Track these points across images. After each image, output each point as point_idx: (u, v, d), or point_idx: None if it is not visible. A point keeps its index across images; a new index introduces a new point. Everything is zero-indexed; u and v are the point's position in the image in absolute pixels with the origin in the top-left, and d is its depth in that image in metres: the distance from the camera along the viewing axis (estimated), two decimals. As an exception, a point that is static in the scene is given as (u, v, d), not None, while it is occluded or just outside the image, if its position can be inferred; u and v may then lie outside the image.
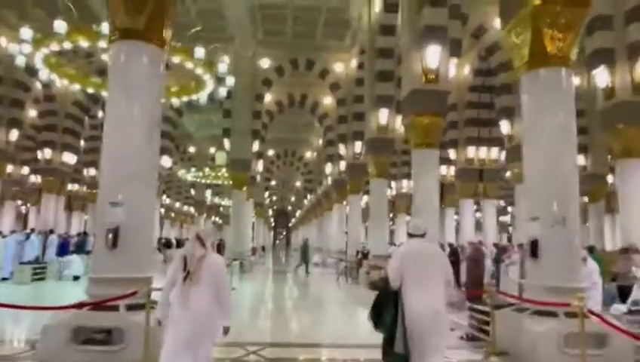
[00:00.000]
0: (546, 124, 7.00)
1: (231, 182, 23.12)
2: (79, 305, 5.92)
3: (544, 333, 6.16)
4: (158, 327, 3.80)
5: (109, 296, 5.84)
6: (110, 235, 6.10)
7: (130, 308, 5.82)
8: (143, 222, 6.43)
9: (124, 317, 5.73)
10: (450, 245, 14.64)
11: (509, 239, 35.85)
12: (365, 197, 25.82)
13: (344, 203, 26.03)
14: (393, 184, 30.33)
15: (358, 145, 21.69)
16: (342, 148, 22.72)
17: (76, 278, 14.97)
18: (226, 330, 3.65)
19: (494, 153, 20.75)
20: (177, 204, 47.85)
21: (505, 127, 18.53)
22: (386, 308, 4.00)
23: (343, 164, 25.18)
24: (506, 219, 46.34)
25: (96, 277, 6.20)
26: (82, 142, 28.11)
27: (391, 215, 35.03)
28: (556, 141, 6.94)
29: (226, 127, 21.79)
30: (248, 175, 22.04)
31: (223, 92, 16.28)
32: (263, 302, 11.82)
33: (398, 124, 17.43)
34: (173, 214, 47.82)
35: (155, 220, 25.51)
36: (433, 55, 11.68)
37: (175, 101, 17.70)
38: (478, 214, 24.78)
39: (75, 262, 14.74)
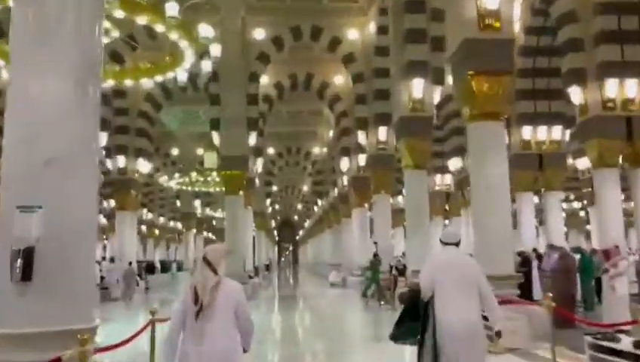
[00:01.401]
0: None
1: (223, 188, 21.34)
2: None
3: None
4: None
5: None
6: (19, 261, 4.22)
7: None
8: (78, 236, 4.56)
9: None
10: (521, 253, 12.68)
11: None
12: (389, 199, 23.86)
13: (366, 206, 24.13)
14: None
15: (383, 131, 19.81)
16: (361, 137, 20.81)
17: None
18: (244, 351, 3.52)
19: (557, 133, 18.82)
20: (161, 219, 46.18)
21: (576, 95, 16.55)
22: (413, 320, 4.26)
23: (362, 158, 23.31)
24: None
25: None
26: None
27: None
28: None
29: (213, 116, 19.96)
30: (245, 176, 20.19)
31: (207, 67, 14.49)
32: (275, 345, 9.92)
33: (437, 96, 15.62)
34: (157, 231, 46.13)
35: (132, 239, 23.75)
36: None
37: (147, 83, 15.92)
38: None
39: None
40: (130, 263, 21.13)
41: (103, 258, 23.08)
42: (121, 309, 16.64)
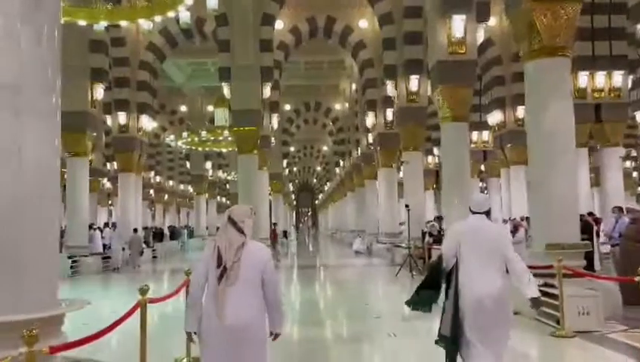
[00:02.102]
0: None
1: (235, 148, 20.40)
2: None
3: None
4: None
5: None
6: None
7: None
8: (29, 196, 3.60)
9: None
10: (581, 216, 11.48)
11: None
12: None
13: (393, 166, 23.04)
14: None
15: (415, 81, 18.51)
16: (390, 88, 19.51)
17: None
18: (276, 336, 3.41)
19: (617, 79, 17.77)
20: (170, 183, 45.72)
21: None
22: (431, 288, 4.41)
23: (390, 113, 22.10)
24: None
25: None
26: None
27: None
28: None
29: (223, 65, 18.81)
30: (258, 134, 19.15)
31: (212, 3, 13.30)
32: (293, 325, 9.04)
33: (481, 35, 14.33)
34: (165, 196, 45.73)
35: (137, 203, 23.10)
36: None
37: (145, 26, 14.79)
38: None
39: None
40: (136, 230, 20.46)
41: (106, 224, 22.42)
42: (122, 282, 15.95)
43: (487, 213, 4.52)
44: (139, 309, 4.64)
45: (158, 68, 24.06)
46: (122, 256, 19.17)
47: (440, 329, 4.35)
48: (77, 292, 13.63)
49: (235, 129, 18.88)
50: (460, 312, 4.20)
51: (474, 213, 4.50)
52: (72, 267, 16.75)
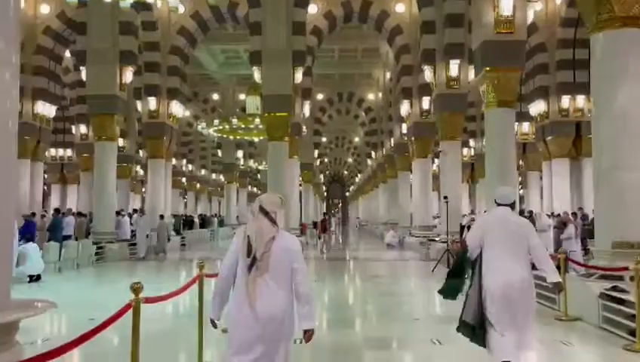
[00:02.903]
0: None
1: (265, 134, 19.48)
2: None
3: None
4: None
5: None
6: None
7: None
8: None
9: None
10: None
11: None
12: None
13: (429, 157, 21.79)
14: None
15: (455, 66, 17.26)
16: (428, 73, 18.24)
17: (35, 278, 11.86)
18: (309, 334, 3.24)
19: None
20: (203, 172, 45.23)
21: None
22: (457, 277, 4.58)
23: (426, 101, 20.83)
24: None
25: None
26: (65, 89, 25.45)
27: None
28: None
29: (255, 49, 17.85)
30: (290, 120, 18.17)
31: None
32: (322, 324, 8.05)
33: (531, 14, 13.01)
34: (197, 185, 45.27)
35: (167, 190, 22.40)
36: None
37: (177, 6, 13.89)
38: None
39: (32, 255, 11.61)
40: (162, 216, 19.73)
41: (135, 210, 21.75)
42: (141, 271, 15.07)
43: (512, 205, 4.67)
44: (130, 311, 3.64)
45: (189, 53, 23.25)
46: (148, 243, 18.31)
47: (462, 316, 4.45)
48: (89, 281, 12.99)
49: (266, 115, 17.91)
50: (484, 300, 4.30)
51: (499, 204, 4.67)
52: (97, 253, 16.12)
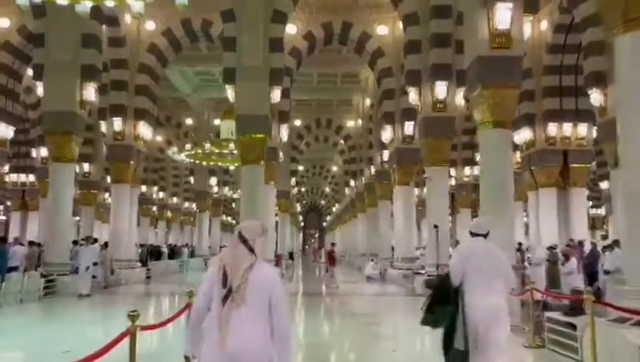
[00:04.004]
0: None
1: (240, 161, 18.01)
2: None
3: None
4: None
5: None
6: None
7: None
8: None
9: None
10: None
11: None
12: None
13: (411, 184, 20.56)
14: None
15: (442, 87, 16.18)
16: (413, 95, 17.07)
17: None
18: None
19: (582, 130, 18.31)
20: (175, 200, 43.32)
21: (596, 97, 15.45)
22: (444, 304, 4.74)
23: (409, 126, 19.68)
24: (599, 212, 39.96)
25: None
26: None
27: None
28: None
29: (228, 65, 16.50)
30: (266, 143, 16.75)
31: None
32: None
33: (528, 29, 12.00)
34: (169, 213, 43.28)
35: (132, 220, 20.68)
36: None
37: (148, 29, 12.44)
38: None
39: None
40: (105, 245, 17.76)
41: (75, 241, 18.54)
42: (74, 313, 12.70)
43: (486, 235, 4.90)
44: None
45: (160, 73, 21.80)
46: (89, 276, 15.23)
47: (454, 343, 4.60)
48: (20, 321, 11.05)
49: (241, 136, 16.44)
50: (470, 326, 4.56)
51: (473, 234, 4.92)
52: (46, 287, 14.27)
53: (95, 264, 17.24)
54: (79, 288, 14.59)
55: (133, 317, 4.12)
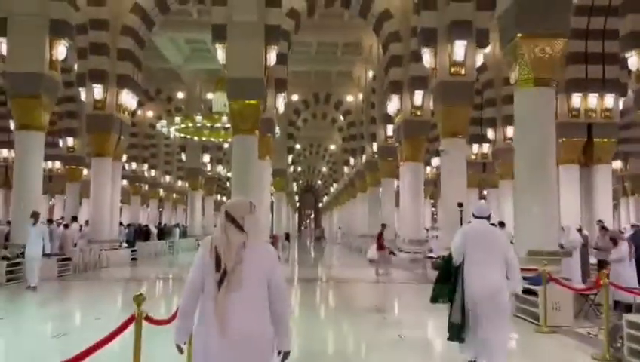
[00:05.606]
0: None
1: (229, 126, 15.95)
2: None
3: None
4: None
5: None
6: None
7: None
8: None
9: None
10: None
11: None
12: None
13: (421, 160, 18.58)
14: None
15: (461, 48, 14.11)
16: (427, 57, 14.91)
17: None
18: (285, 357, 2.81)
19: (609, 101, 16.49)
20: (167, 178, 41.21)
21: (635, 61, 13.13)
22: (446, 282, 5.10)
23: (419, 96, 17.67)
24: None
25: None
26: None
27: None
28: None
29: (217, 22, 14.32)
30: (260, 110, 14.69)
31: None
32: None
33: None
34: (161, 191, 41.20)
35: (116, 197, 18.63)
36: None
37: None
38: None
39: None
40: (67, 225, 15.49)
41: (49, 220, 15.90)
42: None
43: (488, 218, 5.19)
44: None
45: (146, 37, 19.57)
46: (36, 264, 11.61)
47: (450, 317, 4.95)
48: None
49: (232, 102, 14.34)
50: (466, 303, 4.83)
51: (476, 217, 5.19)
52: (9, 271, 12.24)
53: (75, 246, 15.54)
54: (29, 279, 11.50)
55: (138, 299, 3.74)
